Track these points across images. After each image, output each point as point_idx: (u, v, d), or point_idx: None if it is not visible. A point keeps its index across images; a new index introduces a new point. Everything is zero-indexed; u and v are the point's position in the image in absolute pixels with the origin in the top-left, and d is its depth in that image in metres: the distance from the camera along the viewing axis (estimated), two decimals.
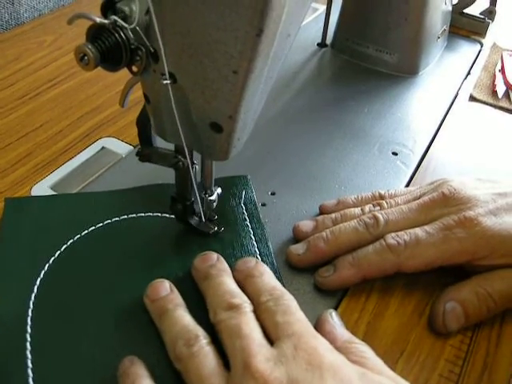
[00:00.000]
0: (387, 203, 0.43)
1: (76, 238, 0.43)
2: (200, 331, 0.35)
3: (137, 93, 0.59)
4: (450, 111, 0.61)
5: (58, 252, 0.42)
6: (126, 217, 0.46)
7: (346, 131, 0.57)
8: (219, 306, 0.36)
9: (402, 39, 0.64)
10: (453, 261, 0.40)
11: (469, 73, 0.68)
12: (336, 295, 0.41)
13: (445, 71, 0.68)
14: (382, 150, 0.55)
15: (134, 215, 0.46)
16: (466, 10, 0.75)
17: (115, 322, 0.38)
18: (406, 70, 0.66)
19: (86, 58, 0.35)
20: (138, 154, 0.42)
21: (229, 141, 0.36)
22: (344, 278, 0.40)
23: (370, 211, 0.43)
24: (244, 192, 0.48)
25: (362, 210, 0.44)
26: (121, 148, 0.53)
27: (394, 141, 0.56)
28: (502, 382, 0.37)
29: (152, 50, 0.34)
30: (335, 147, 0.55)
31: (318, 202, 0.48)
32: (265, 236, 0.45)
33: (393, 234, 0.40)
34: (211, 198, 0.42)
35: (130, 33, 0.34)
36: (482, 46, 0.73)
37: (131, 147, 0.53)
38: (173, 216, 0.45)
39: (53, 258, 0.42)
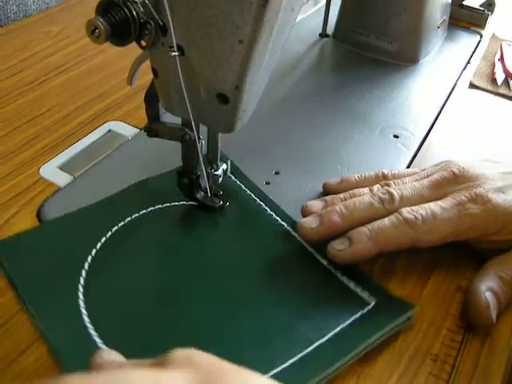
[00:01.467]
0: (395, 183, 0.44)
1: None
2: None
3: (143, 78, 0.60)
4: (450, 97, 0.62)
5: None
6: (150, 209, 0.46)
7: (348, 115, 0.58)
8: None
9: (402, 28, 0.65)
10: (465, 236, 0.40)
11: (468, 62, 0.69)
12: None
13: (445, 60, 0.69)
14: (383, 133, 0.56)
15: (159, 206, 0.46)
16: (466, 2, 0.77)
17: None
18: (406, 58, 0.67)
19: (96, 30, 0.36)
20: (145, 129, 0.43)
21: (235, 112, 0.37)
22: (360, 252, 0.40)
23: (379, 190, 0.43)
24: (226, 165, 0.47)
25: (370, 189, 0.44)
26: (127, 130, 0.54)
27: (394, 125, 0.57)
28: (503, 348, 0.38)
29: (161, 23, 0.35)
30: (337, 129, 0.56)
31: (321, 181, 0.49)
32: (271, 200, 0.46)
33: (408, 209, 0.40)
34: (217, 172, 0.43)
35: (139, 7, 0.35)
36: (481, 37, 0.74)
37: (137, 130, 0.54)
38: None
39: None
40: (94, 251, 0.41)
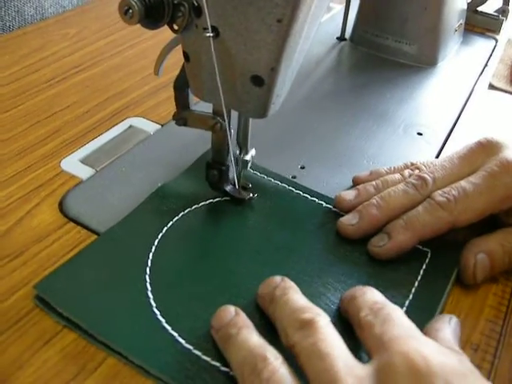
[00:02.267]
0: (425, 166, 0.43)
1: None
2: (269, 351, 0.30)
3: (164, 76, 0.60)
4: (470, 97, 0.62)
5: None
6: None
7: (370, 114, 0.58)
8: (290, 327, 0.31)
9: (421, 29, 0.65)
10: (501, 207, 0.40)
11: (486, 64, 0.69)
12: None
13: (462, 63, 0.69)
14: (407, 131, 0.55)
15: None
16: (480, 9, 0.77)
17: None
18: (425, 60, 0.67)
19: (130, 11, 0.35)
20: (174, 117, 0.42)
21: (268, 95, 0.37)
22: (400, 244, 0.39)
23: (411, 175, 0.43)
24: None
25: (401, 174, 0.43)
26: (149, 126, 0.54)
27: (418, 123, 0.57)
28: None
29: (196, 4, 0.35)
30: (360, 127, 0.55)
31: (347, 175, 0.48)
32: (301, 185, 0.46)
33: (440, 192, 0.40)
34: (246, 157, 0.42)
35: None
36: (496, 42, 0.75)
37: (159, 126, 0.54)
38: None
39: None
40: (150, 255, 0.39)
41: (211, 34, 0.35)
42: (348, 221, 0.42)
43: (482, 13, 0.76)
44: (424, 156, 0.52)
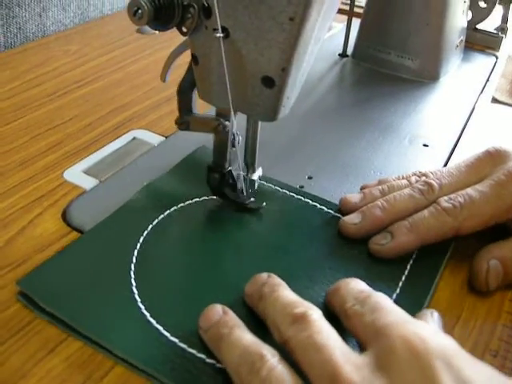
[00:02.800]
0: (432, 173, 0.43)
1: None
2: (265, 349, 0.29)
3: (167, 91, 0.60)
4: (474, 110, 0.62)
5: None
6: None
7: (375, 127, 0.57)
8: (282, 322, 0.31)
9: (423, 44, 0.65)
10: (507, 216, 0.39)
11: (488, 79, 0.69)
12: None
13: (464, 78, 0.69)
14: (413, 142, 0.55)
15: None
16: (479, 27, 0.78)
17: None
18: (427, 75, 0.67)
19: (139, 11, 0.35)
20: (177, 122, 0.41)
21: (279, 97, 0.36)
22: (402, 245, 0.39)
23: (417, 181, 0.42)
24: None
25: (408, 180, 0.43)
26: (153, 139, 0.53)
27: (423, 135, 0.56)
28: None
29: (206, 5, 0.35)
30: (366, 139, 0.55)
31: (355, 185, 0.47)
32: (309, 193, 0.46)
33: (445, 198, 0.39)
34: (253, 177, 0.42)
35: None
36: (497, 59, 0.75)
37: (163, 138, 0.53)
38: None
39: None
40: (135, 252, 0.39)
41: (221, 35, 0.35)
42: (351, 220, 0.41)
43: (481, 31, 0.77)
44: (430, 167, 0.51)
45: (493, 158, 0.42)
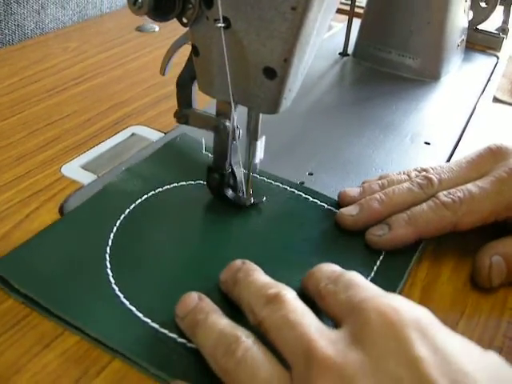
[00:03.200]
0: (432, 169, 0.42)
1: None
2: (240, 331, 0.30)
3: (166, 88, 0.59)
4: (475, 109, 0.61)
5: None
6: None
7: (376, 125, 0.57)
8: (257, 304, 0.30)
9: (424, 43, 0.65)
10: (507, 214, 0.39)
11: (489, 79, 0.68)
12: None
13: (465, 78, 0.69)
14: (414, 140, 0.54)
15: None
16: (480, 27, 0.77)
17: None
18: (428, 74, 0.66)
19: (139, 1, 0.34)
20: (175, 115, 0.41)
21: (281, 89, 0.36)
22: (400, 238, 0.39)
23: (417, 176, 0.42)
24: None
25: (408, 175, 0.42)
26: (151, 135, 0.52)
27: (425, 133, 0.56)
28: None
29: None
30: (367, 137, 0.54)
31: (356, 182, 0.47)
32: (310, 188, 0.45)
33: (445, 192, 0.39)
34: (255, 161, 0.41)
35: None
36: (498, 59, 0.75)
37: (162, 134, 0.52)
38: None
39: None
40: (111, 235, 0.39)
41: (223, 25, 0.34)
42: (348, 211, 0.41)
43: (482, 31, 0.77)
44: (432, 164, 0.50)
45: (494, 154, 0.41)
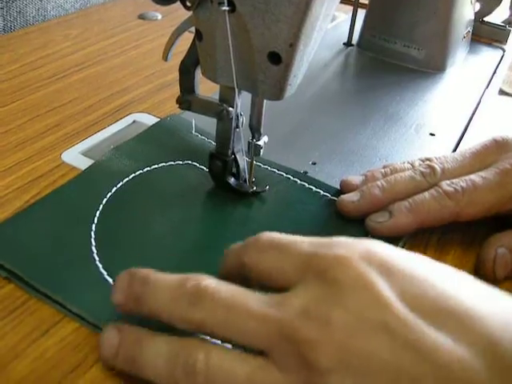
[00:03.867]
0: (436, 158, 0.42)
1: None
2: (186, 341, 0.27)
3: (170, 75, 0.59)
4: (481, 101, 0.61)
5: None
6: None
7: (381, 115, 0.56)
8: (177, 308, 0.27)
9: (430, 34, 0.64)
10: (509, 206, 0.38)
11: (495, 72, 0.68)
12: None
13: (471, 70, 0.68)
14: (419, 131, 0.54)
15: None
16: (486, 19, 0.76)
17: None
18: (433, 65, 0.65)
19: None
20: (178, 100, 0.40)
21: (286, 75, 0.35)
22: (401, 225, 0.38)
23: (420, 165, 0.41)
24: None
25: (411, 164, 0.42)
26: (153, 122, 0.51)
27: (429, 124, 0.55)
28: None
29: None
30: (371, 127, 0.54)
31: (360, 172, 0.46)
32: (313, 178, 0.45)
33: (447, 182, 0.39)
34: (259, 142, 0.40)
35: None
36: (504, 52, 0.74)
37: None
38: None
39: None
40: (97, 213, 0.39)
41: (227, 8, 0.33)
42: (349, 198, 0.41)
43: (488, 23, 0.76)
44: (437, 155, 0.50)
45: (499, 146, 0.41)
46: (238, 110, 0.40)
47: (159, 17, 0.75)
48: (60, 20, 0.72)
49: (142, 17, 0.74)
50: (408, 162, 0.43)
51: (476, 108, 0.59)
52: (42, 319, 0.32)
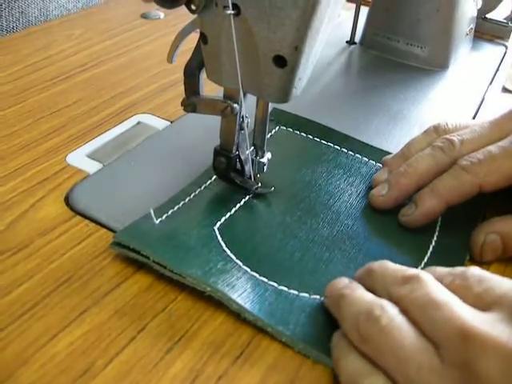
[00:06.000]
0: (451, 126, 0.43)
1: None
2: (385, 302, 0.29)
3: (174, 75, 0.59)
4: (485, 99, 0.60)
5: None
6: None
7: (384, 113, 0.56)
8: (392, 284, 0.30)
9: (433, 31, 0.64)
10: None
11: (497, 69, 0.68)
12: None
13: (474, 67, 0.68)
14: (423, 129, 0.53)
15: None
16: (488, 16, 0.76)
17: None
18: (436, 63, 0.65)
19: None
20: (183, 103, 0.40)
21: (291, 78, 0.35)
22: (428, 210, 0.39)
23: (438, 139, 0.42)
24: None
25: (428, 142, 0.43)
26: (158, 123, 0.52)
27: (433, 122, 0.55)
28: None
29: None
30: (375, 126, 0.54)
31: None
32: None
33: (465, 157, 0.39)
34: (262, 159, 0.41)
35: None
36: (506, 48, 0.74)
37: (168, 122, 0.52)
38: None
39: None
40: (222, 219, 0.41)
41: (232, 12, 0.33)
42: (378, 191, 0.42)
43: (490, 20, 0.76)
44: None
45: None
46: (243, 112, 0.40)
47: (161, 16, 0.74)
48: (62, 20, 0.72)
49: (144, 16, 0.74)
50: (422, 134, 0.45)
51: (479, 105, 0.59)
52: (50, 324, 0.33)
